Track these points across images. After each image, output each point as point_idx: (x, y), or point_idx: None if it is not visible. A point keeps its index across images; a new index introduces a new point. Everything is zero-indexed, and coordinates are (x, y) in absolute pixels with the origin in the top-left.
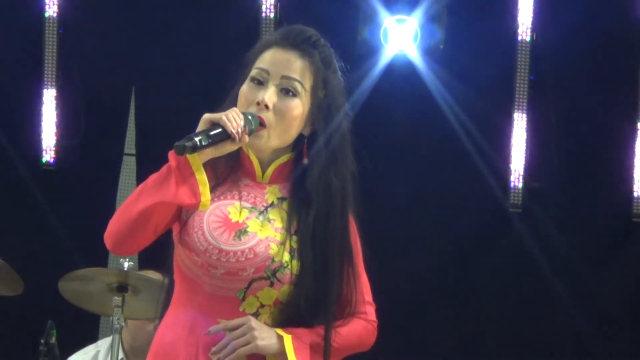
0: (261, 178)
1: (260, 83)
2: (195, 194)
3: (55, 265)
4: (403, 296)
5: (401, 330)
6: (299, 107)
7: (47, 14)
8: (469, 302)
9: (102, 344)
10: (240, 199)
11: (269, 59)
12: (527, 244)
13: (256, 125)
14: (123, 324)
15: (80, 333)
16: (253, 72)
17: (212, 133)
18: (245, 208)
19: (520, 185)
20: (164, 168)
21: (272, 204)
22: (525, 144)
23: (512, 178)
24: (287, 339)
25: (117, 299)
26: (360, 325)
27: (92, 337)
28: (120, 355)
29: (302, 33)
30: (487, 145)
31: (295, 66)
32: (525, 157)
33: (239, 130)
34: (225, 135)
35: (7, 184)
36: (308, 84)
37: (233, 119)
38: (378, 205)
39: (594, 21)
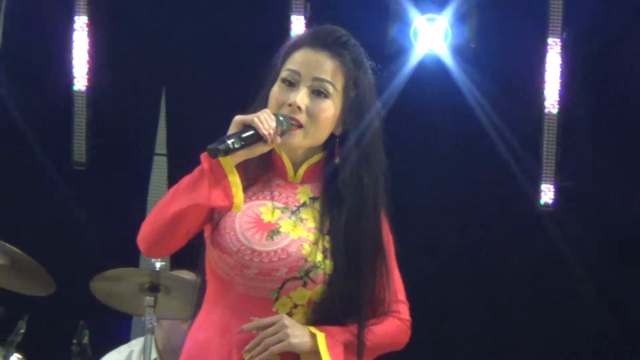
0: (293, 178)
1: (292, 84)
2: (228, 195)
3: (87, 266)
4: (432, 295)
5: (430, 329)
6: (330, 109)
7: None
8: (499, 302)
9: (136, 344)
10: (272, 199)
11: (299, 60)
12: (558, 243)
13: (288, 126)
14: (155, 324)
15: (112, 333)
16: (284, 74)
17: (244, 135)
18: (278, 208)
19: (551, 184)
20: (197, 170)
21: (304, 204)
22: (556, 143)
23: (543, 177)
24: (321, 337)
25: (149, 299)
26: (394, 324)
27: (124, 337)
28: (154, 355)
29: (332, 33)
30: (517, 144)
31: (327, 67)
32: (557, 156)
33: (271, 132)
34: (258, 137)
35: (38, 184)
36: (339, 85)
37: (265, 120)
38: (408, 204)
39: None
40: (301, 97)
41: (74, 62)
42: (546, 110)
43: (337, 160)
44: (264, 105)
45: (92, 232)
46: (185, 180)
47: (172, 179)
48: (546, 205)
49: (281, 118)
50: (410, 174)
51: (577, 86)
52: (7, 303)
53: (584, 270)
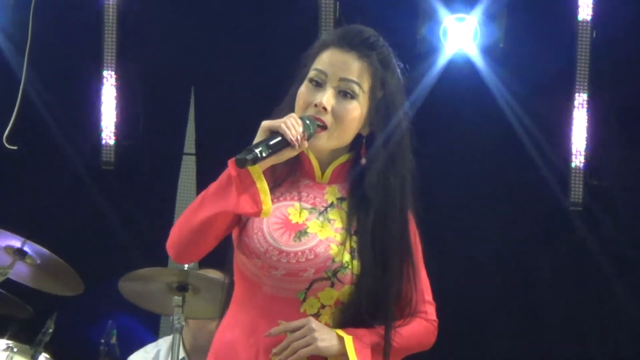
0: (320, 178)
1: (319, 84)
2: (257, 203)
3: (116, 266)
4: (462, 295)
5: (460, 329)
6: (357, 109)
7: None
8: (529, 302)
9: (163, 343)
10: (299, 199)
11: (327, 61)
12: (588, 243)
13: (314, 129)
14: (183, 323)
15: (140, 333)
16: (311, 74)
17: (271, 143)
18: (305, 209)
19: (580, 183)
20: (224, 176)
21: (331, 204)
22: (585, 142)
23: (572, 176)
24: (348, 340)
25: (177, 299)
26: (421, 325)
27: (152, 337)
28: (182, 354)
29: (360, 34)
30: (547, 144)
31: (353, 68)
32: (586, 155)
33: (299, 137)
34: (285, 143)
35: (66, 184)
36: (366, 85)
37: (292, 126)
38: (437, 205)
39: None
40: (327, 97)
41: (105, 60)
42: (575, 110)
43: (363, 161)
44: (291, 104)
45: (120, 231)
46: (213, 186)
47: (201, 179)
48: (575, 204)
49: (307, 122)
50: (438, 173)
51: (605, 83)
52: (36, 303)
53: (614, 269)
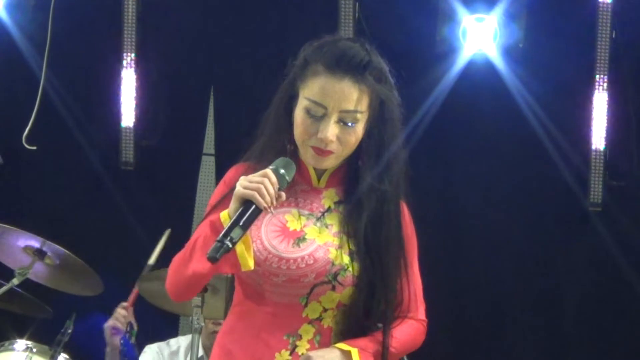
0: (317, 183)
1: (318, 116)
2: (236, 265)
3: (135, 266)
4: (481, 296)
5: (479, 330)
6: (360, 130)
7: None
8: (549, 302)
9: (184, 340)
10: (297, 205)
11: (322, 92)
12: (607, 243)
13: (291, 177)
14: (202, 323)
15: (160, 333)
16: (307, 104)
17: (244, 219)
18: (303, 215)
19: (600, 184)
20: (209, 230)
21: (328, 209)
22: (604, 143)
23: (591, 177)
24: (354, 353)
25: (196, 299)
26: (412, 327)
27: (171, 337)
28: (200, 352)
29: (353, 58)
30: (566, 144)
31: (352, 96)
32: (605, 156)
33: (273, 201)
34: (259, 211)
35: (86, 184)
36: (365, 106)
37: (266, 193)
38: (457, 205)
39: None
40: (331, 131)
41: (124, 62)
42: (595, 110)
43: (360, 163)
44: (279, 120)
45: (139, 232)
46: (200, 241)
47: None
48: (595, 205)
49: (282, 171)
50: (458, 173)
51: (626, 85)
52: (55, 303)
53: (634, 269)
